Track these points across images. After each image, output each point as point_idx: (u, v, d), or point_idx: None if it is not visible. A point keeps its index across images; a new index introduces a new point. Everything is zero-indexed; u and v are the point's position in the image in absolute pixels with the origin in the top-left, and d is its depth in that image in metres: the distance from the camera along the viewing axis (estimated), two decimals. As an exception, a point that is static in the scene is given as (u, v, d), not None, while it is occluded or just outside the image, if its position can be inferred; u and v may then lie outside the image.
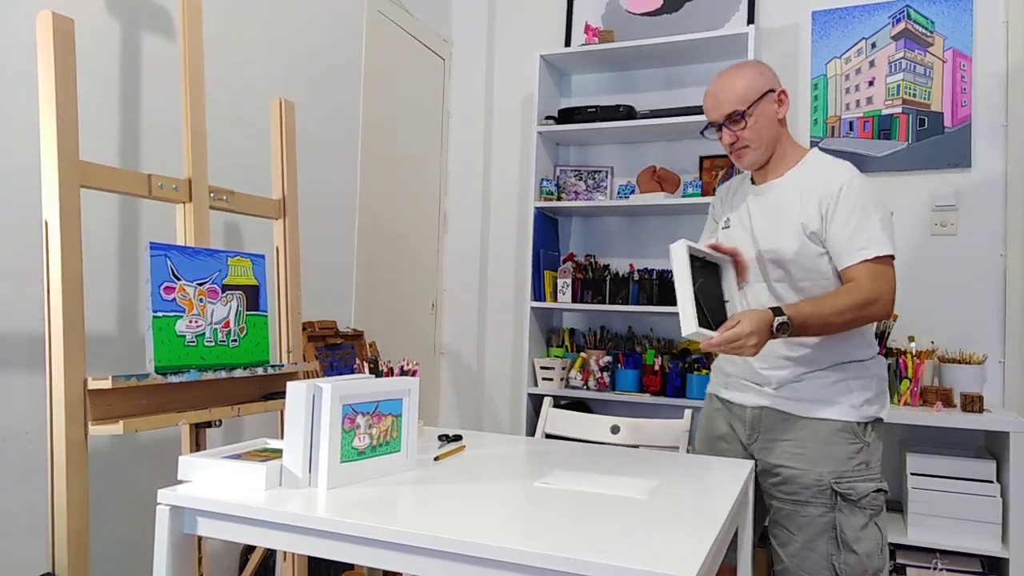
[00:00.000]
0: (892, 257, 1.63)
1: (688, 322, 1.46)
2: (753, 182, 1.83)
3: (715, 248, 1.67)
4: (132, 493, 1.95)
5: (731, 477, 1.41)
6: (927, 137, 2.82)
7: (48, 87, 1.43)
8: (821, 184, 1.67)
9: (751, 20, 3.05)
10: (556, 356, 3.22)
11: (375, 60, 3.01)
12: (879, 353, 1.76)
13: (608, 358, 3.07)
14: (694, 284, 1.51)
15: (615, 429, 2.02)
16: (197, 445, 1.72)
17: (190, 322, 1.63)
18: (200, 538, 1.70)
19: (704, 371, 2.89)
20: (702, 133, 1.81)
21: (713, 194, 2.90)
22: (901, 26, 2.87)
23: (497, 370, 3.52)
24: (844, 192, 1.64)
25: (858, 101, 2.93)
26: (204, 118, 1.80)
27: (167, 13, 2.06)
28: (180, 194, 1.74)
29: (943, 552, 2.38)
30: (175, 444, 1.96)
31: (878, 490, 1.62)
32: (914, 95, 2.85)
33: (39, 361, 1.64)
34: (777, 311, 1.51)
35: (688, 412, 1.98)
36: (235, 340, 1.74)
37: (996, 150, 2.74)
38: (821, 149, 1.97)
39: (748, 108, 1.69)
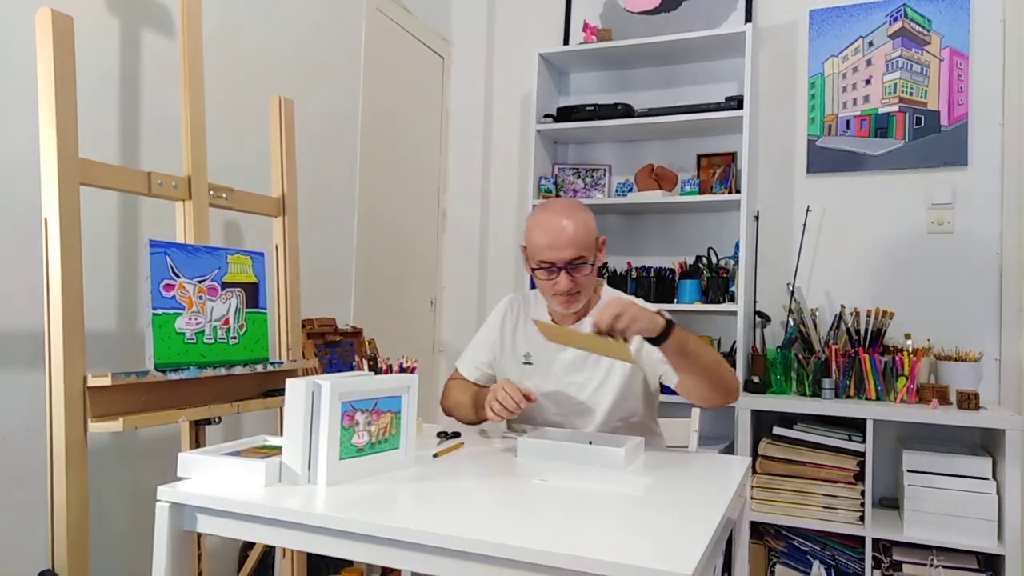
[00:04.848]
0: None
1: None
2: (553, 319, 1.77)
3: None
4: (132, 490, 1.95)
5: (727, 473, 1.41)
6: (924, 136, 2.83)
7: (47, 85, 1.43)
8: None
9: (748, 19, 3.06)
10: (554, 354, 3.22)
11: (374, 58, 3.01)
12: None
13: (606, 356, 3.07)
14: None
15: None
16: (197, 442, 1.73)
17: (190, 319, 1.63)
18: (199, 535, 1.70)
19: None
20: (532, 271, 1.70)
21: (711, 192, 2.92)
22: (898, 25, 2.88)
23: (495, 368, 3.52)
24: None
25: (855, 100, 2.93)
26: (204, 115, 1.81)
27: (167, 10, 2.07)
28: (180, 191, 1.74)
29: (939, 549, 2.39)
30: (175, 441, 1.96)
31: None
32: (911, 93, 2.85)
33: (39, 358, 1.64)
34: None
35: (696, 411, 1.90)
36: (234, 337, 1.75)
37: (992, 148, 2.75)
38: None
39: (592, 254, 1.64)
